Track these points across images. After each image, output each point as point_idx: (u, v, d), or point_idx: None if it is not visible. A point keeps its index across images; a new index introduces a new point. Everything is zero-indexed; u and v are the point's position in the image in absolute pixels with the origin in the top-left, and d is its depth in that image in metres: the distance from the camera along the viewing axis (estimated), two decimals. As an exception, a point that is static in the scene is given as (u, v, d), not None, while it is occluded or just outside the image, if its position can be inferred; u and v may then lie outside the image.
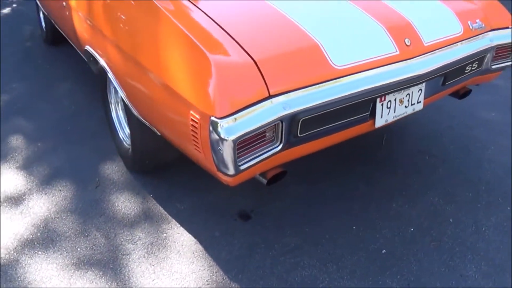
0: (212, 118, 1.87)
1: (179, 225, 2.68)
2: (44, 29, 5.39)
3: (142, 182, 3.03)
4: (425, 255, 2.46)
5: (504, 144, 3.28)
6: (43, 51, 5.32)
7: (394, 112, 2.43)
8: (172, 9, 2.29)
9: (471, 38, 2.53)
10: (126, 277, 2.36)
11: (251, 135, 1.92)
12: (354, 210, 2.76)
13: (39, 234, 2.68)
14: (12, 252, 2.56)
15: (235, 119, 1.88)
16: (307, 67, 2.09)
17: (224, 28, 2.13)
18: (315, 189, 2.92)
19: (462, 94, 2.87)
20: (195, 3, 2.30)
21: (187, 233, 2.63)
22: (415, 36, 2.35)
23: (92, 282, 2.34)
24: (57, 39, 5.16)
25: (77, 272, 2.40)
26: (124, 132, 3.18)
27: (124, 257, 2.49)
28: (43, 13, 5.13)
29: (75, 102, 4.11)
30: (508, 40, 2.66)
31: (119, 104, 3.18)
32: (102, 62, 2.82)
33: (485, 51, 2.58)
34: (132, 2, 2.54)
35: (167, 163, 3.07)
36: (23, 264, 2.48)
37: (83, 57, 3.70)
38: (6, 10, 7.33)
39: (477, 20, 2.59)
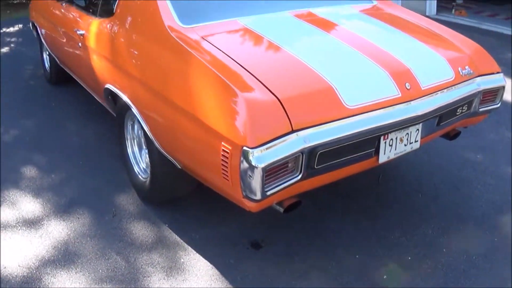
0: (244, 148, 2.12)
1: (195, 252, 2.87)
2: (48, 69, 5.61)
3: (157, 212, 3.22)
4: (422, 280, 2.68)
5: (490, 183, 3.58)
6: (47, 90, 5.54)
7: (395, 149, 2.71)
8: (205, 55, 2.56)
9: (462, 83, 2.86)
10: (149, 297, 2.53)
11: (276, 164, 2.18)
12: (357, 240, 2.99)
13: (60, 256, 2.84)
14: (35, 271, 2.72)
15: (265, 149, 2.13)
16: (323, 106, 2.38)
17: (251, 72, 2.41)
18: (321, 222, 3.14)
19: (452, 135, 3.17)
20: (223, 50, 2.59)
21: (203, 259, 2.81)
22: (414, 81, 2.66)
23: (117, 301, 2.50)
24: (61, 79, 5.39)
25: (101, 291, 2.57)
26: (139, 166, 3.38)
27: (145, 278, 2.66)
28: (48, 54, 5.36)
29: (84, 137, 4.30)
30: (493, 85, 2.99)
31: (135, 140, 3.39)
32: (125, 98, 3.05)
33: (473, 95, 2.90)
34: (161, 45, 2.81)
35: (181, 196, 3.26)
36: (46, 282, 2.63)
37: (95, 95, 3.94)
38: (5, 50, 7.56)
39: (466, 67, 2.93)
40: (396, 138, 2.67)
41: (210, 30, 2.83)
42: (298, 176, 2.32)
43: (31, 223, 3.14)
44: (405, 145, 2.75)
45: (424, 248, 2.93)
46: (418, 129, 2.75)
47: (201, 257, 2.83)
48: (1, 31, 8.91)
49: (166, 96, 2.62)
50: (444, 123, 2.90)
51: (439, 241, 2.99)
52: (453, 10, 9.21)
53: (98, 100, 4.03)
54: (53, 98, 5.29)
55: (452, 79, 2.83)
